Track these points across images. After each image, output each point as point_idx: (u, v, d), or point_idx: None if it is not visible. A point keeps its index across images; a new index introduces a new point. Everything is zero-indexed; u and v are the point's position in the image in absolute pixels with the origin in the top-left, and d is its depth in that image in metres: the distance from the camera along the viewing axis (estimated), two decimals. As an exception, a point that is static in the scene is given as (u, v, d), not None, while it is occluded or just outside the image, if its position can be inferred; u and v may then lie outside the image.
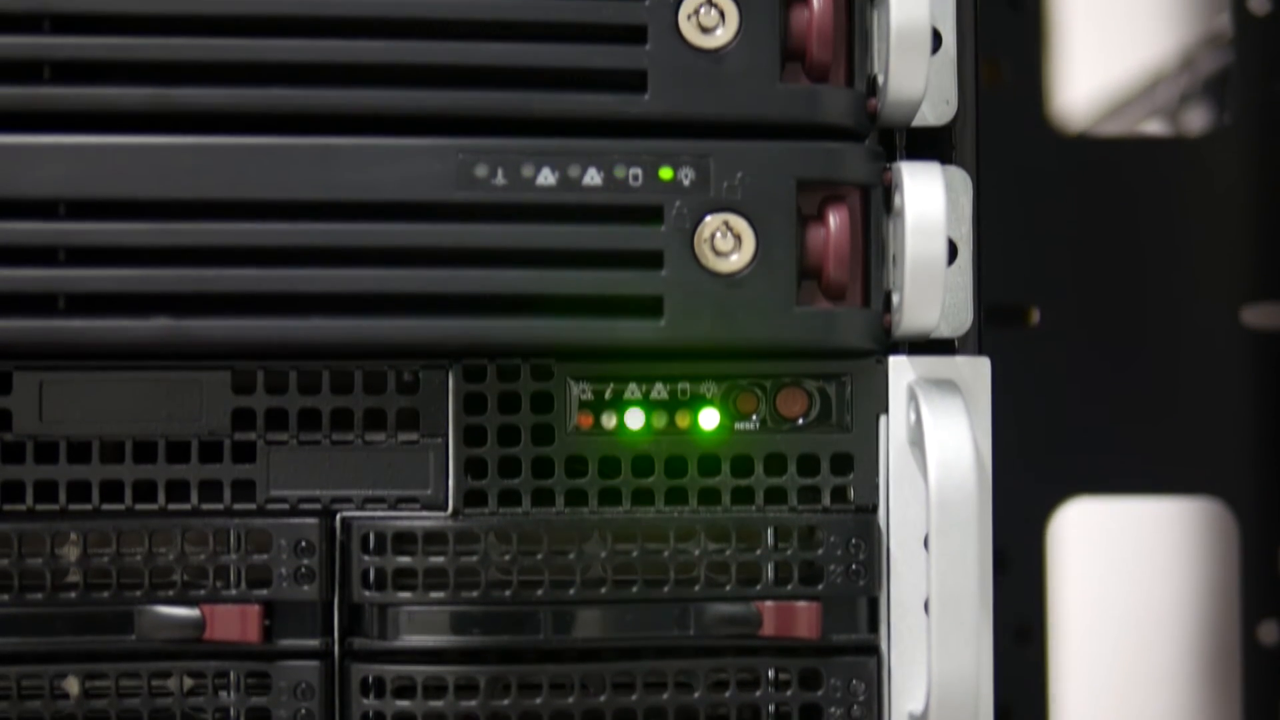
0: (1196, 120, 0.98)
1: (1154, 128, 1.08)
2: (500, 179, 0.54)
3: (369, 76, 0.54)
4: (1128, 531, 0.89)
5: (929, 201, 0.55)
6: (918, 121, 0.57)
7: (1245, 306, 0.72)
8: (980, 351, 0.57)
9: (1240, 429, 0.72)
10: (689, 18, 0.54)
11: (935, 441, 0.54)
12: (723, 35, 0.54)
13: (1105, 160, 0.72)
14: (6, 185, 0.53)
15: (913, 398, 0.55)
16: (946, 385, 0.55)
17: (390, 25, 0.54)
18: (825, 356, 0.56)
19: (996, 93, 0.72)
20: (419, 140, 0.54)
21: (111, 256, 0.53)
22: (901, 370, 0.56)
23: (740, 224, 0.54)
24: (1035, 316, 0.72)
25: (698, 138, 0.54)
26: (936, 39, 0.57)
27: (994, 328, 0.73)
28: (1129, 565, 0.91)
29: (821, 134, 0.55)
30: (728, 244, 0.54)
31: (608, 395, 0.56)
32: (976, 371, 0.56)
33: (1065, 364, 0.72)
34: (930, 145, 0.58)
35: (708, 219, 0.54)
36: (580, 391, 0.56)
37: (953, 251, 0.57)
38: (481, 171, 0.54)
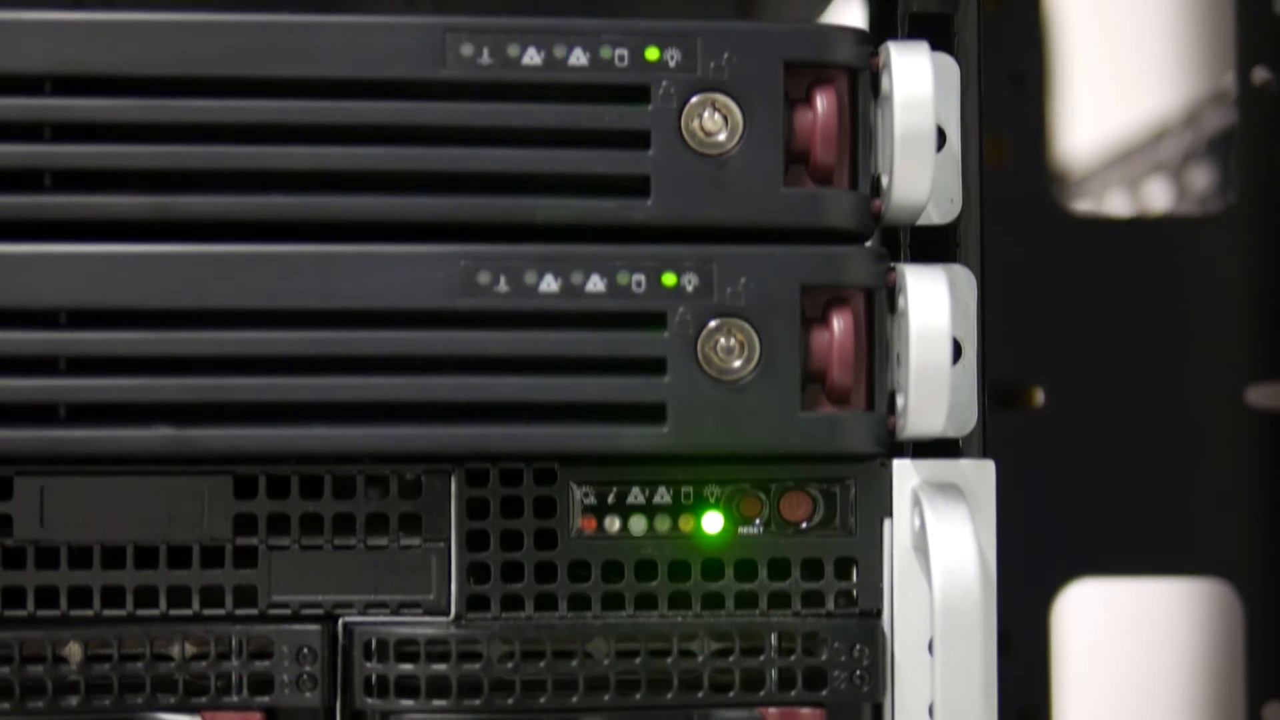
0: (1200, 180, 0.98)
1: (1157, 184, 1.08)
2: (503, 286, 0.53)
3: (370, 183, 0.53)
4: (1132, 613, 0.89)
5: (933, 304, 0.54)
6: (922, 220, 0.56)
7: (1250, 387, 0.72)
8: (985, 452, 0.56)
9: (1245, 509, 0.72)
10: (692, 122, 0.54)
11: (939, 550, 0.53)
12: (726, 139, 0.54)
13: (1108, 239, 0.72)
14: (7, 294, 0.53)
15: (917, 503, 0.55)
16: (951, 490, 0.55)
17: (392, 132, 0.53)
18: (829, 460, 0.56)
19: (1000, 171, 0.72)
20: (421, 247, 0.53)
21: (113, 366, 0.53)
22: (906, 474, 0.56)
23: (744, 329, 0.54)
24: (1039, 397, 0.72)
25: (701, 242, 0.54)
26: (941, 136, 0.56)
27: (998, 408, 0.73)
28: (1133, 647, 0.90)
29: (825, 237, 0.55)
30: (731, 351, 0.54)
31: (611, 499, 0.56)
32: (981, 475, 0.56)
33: (1069, 443, 0.72)
34: (934, 243, 0.58)
35: (711, 324, 0.54)
36: (583, 495, 0.55)
37: (957, 350, 0.56)
38: (484, 279, 0.53)
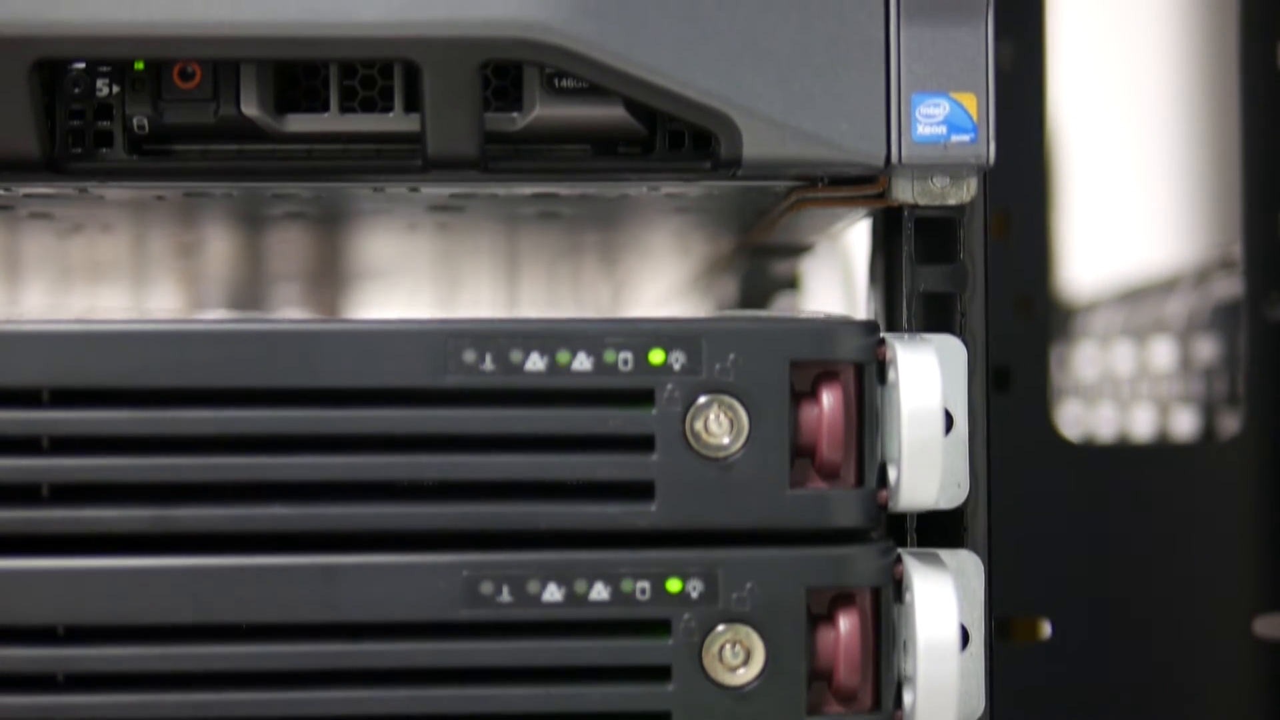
0: (1205, 350, 0.98)
1: (1162, 345, 1.07)
2: (506, 596, 0.53)
3: (372, 492, 0.53)
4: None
5: (939, 602, 0.54)
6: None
7: (1258, 617, 0.72)
8: (992, 743, 0.56)
9: (1254, 741, 0.72)
10: (697, 424, 0.53)
11: None
12: (731, 442, 0.54)
13: (1113, 468, 0.72)
14: (3, 611, 0.52)
15: (925, 809, 0.54)
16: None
17: (393, 441, 0.53)
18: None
19: (1005, 400, 0.71)
20: (423, 557, 0.53)
21: (112, 682, 0.52)
22: (914, 775, 0.55)
23: (750, 637, 0.53)
24: (1045, 629, 0.71)
25: (706, 546, 0.54)
26: (948, 418, 0.56)
27: (1003, 641, 0.72)
28: None
29: (831, 536, 0.54)
30: (737, 657, 0.53)
31: (615, 799, 0.55)
32: (990, 775, 0.55)
33: (1076, 675, 0.71)
34: (941, 529, 0.57)
35: (718, 629, 0.53)
36: (587, 795, 0.55)
37: (964, 637, 0.56)
38: (487, 589, 0.53)
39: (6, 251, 0.81)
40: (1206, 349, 0.97)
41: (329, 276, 0.97)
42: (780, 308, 1.09)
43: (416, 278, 1.01)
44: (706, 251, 0.85)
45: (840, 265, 0.99)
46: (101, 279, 0.96)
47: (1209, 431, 0.94)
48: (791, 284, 1.06)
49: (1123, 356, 1.14)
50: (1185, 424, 0.98)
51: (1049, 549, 0.71)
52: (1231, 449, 0.72)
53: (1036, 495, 0.71)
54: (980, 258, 0.58)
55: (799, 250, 0.80)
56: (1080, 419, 1.21)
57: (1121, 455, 0.73)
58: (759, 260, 0.86)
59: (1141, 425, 1.08)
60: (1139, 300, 1.15)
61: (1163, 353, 1.05)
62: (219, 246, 0.80)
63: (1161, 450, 0.75)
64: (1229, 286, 0.94)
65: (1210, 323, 0.97)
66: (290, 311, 1.17)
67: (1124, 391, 1.14)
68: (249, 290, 1.05)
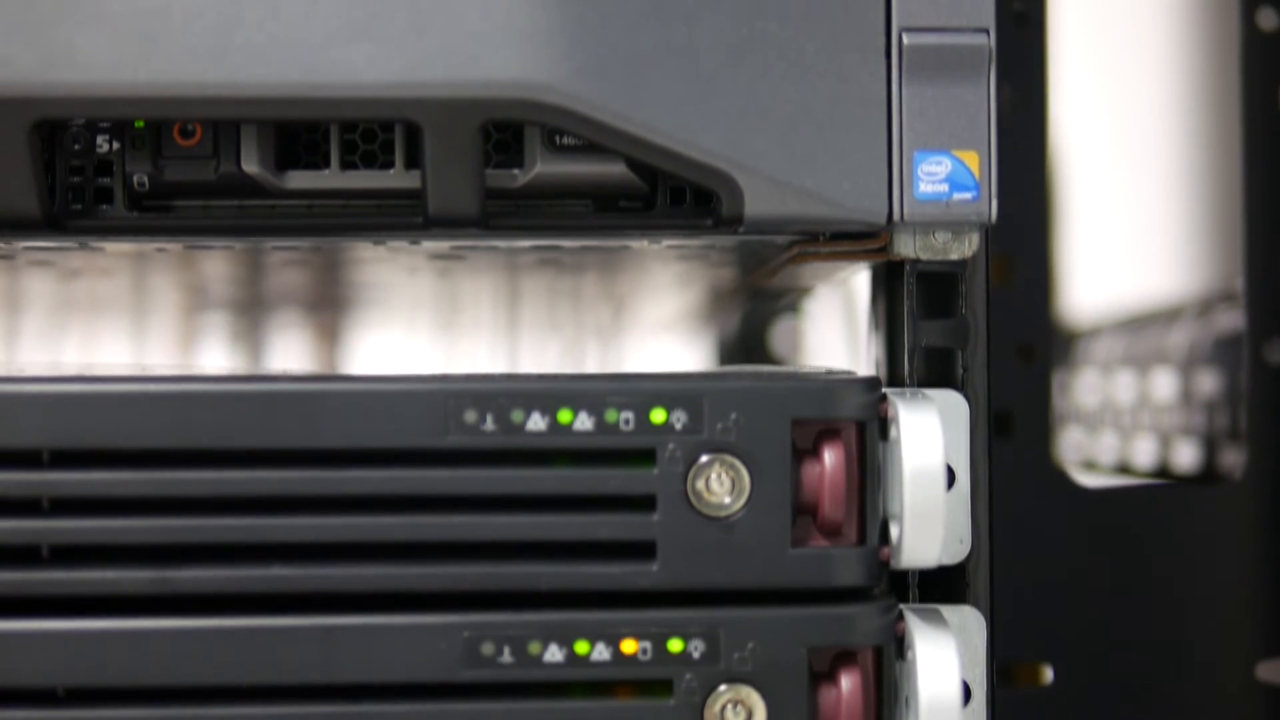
0: (1207, 384, 0.98)
1: (1163, 375, 1.07)
2: (507, 657, 0.53)
3: (372, 553, 0.53)
4: None
5: (941, 657, 0.54)
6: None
7: (1261, 662, 0.72)
8: (992, 798, 0.56)
9: (1256, 787, 0.71)
10: (699, 483, 0.53)
11: None
12: (733, 501, 0.53)
13: (1115, 512, 0.72)
14: (3, 673, 0.52)
15: None
16: None
17: (394, 501, 0.53)
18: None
19: (1007, 446, 0.71)
20: (423, 618, 0.53)
21: (111, 744, 0.52)
22: (915, 833, 0.55)
23: (752, 696, 0.53)
24: (1047, 674, 0.71)
25: (707, 606, 0.54)
26: (950, 474, 0.56)
27: (1005, 686, 0.72)
28: None
29: (833, 595, 0.54)
30: (739, 717, 0.53)
31: None
32: (991, 834, 0.55)
33: None
34: (943, 584, 0.57)
35: (720, 689, 0.53)
36: None
37: (966, 692, 0.56)
38: (488, 650, 0.53)
39: (6, 291, 0.81)
40: (1208, 382, 0.97)
41: (328, 302, 0.97)
42: (782, 331, 1.09)
43: (416, 304, 1.01)
44: (708, 287, 0.84)
45: (842, 296, 0.99)
46: (101, 310, 0.96)
47: (1210, 465, 0.94)
48: (793, 309, 1.06)
49: (1124, 385, 1.14)
50: (1186, 456, 0.98)
51: (1050, 593, 0.71)
52: (1234, 493, 0.72)
53: (1038, 540, 0.71)
54: (982, 311, 0.58)
55: (800, 293, 0.80)
56: (1081, 446, 1.21)
57: (1123, 498, 0.72)
58: (761, 298, 0.86)
59: (1142, 455, 1.08)
60: (1141, 329, 1.14)
61: (1164, 383, 1.05)
62: (218, 283, 0.80)
63: (1164, 494, 0.74)
64: (1231, 319, 0.94)
65: (1212, 356, 0.97)
66: (288, 334, 1.17)
67: (1125, 420, 1.14)
68: (248, 315, 1.05)
